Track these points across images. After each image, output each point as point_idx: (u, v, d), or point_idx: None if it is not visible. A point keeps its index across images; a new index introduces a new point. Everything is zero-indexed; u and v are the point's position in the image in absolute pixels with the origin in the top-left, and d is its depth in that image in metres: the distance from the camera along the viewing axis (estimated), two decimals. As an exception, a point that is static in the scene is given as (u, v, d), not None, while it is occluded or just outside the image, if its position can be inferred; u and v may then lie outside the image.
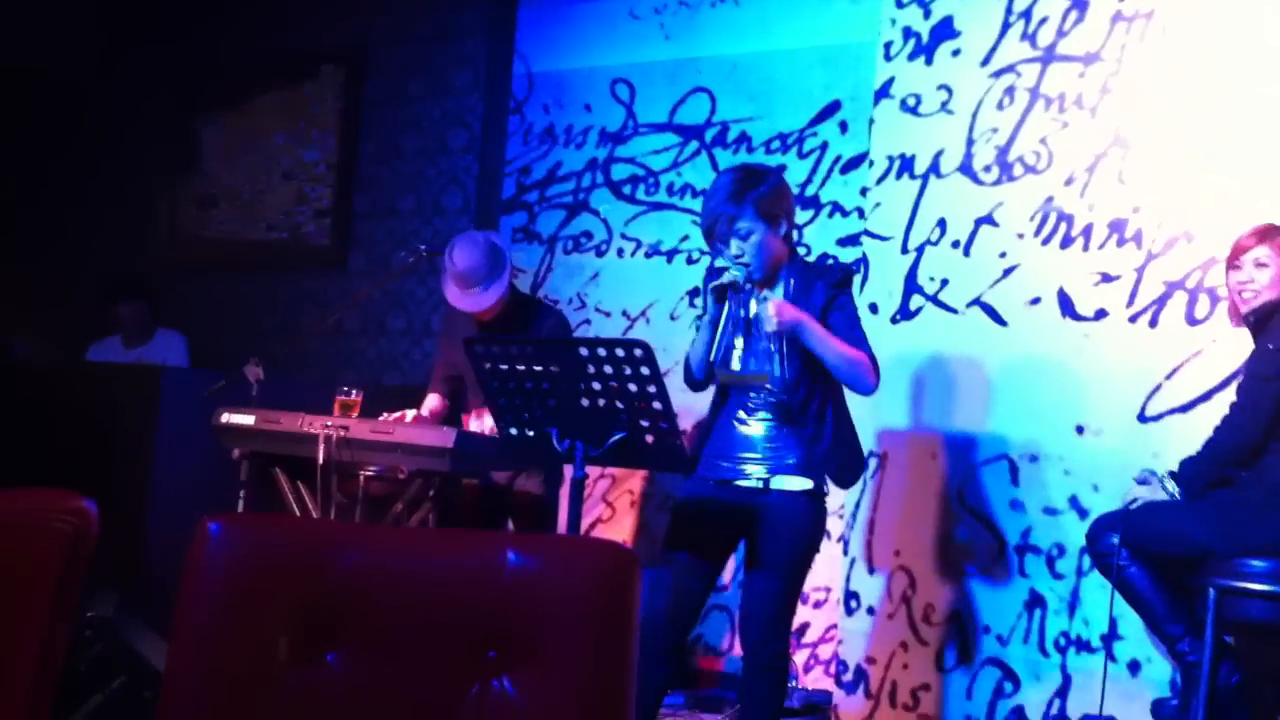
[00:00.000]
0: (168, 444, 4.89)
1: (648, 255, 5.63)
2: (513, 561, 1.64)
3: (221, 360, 6.03)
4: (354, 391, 4.33)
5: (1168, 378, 4.03)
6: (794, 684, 4.91)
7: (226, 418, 4.31)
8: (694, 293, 5.35)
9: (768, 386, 3.37)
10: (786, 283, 3.44)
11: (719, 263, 3.36)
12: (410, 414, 4.45)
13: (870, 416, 4.52)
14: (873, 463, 4.48)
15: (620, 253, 5.68)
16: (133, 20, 7.26)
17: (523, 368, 3.21)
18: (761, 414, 3.40)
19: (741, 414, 3.41)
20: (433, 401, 4.65)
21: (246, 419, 4.28)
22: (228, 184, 7.15)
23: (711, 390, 3.53)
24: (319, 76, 6.89)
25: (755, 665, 3.38)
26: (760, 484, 3.36)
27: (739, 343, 3.40)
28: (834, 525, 4.94)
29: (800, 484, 3.36)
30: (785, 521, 3.36)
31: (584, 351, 3.13)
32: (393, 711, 1.62)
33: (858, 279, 4.39)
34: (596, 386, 3.13)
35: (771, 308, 3.26)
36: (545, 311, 4.83)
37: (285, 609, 1.64)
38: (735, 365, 3.41)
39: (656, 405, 3.10)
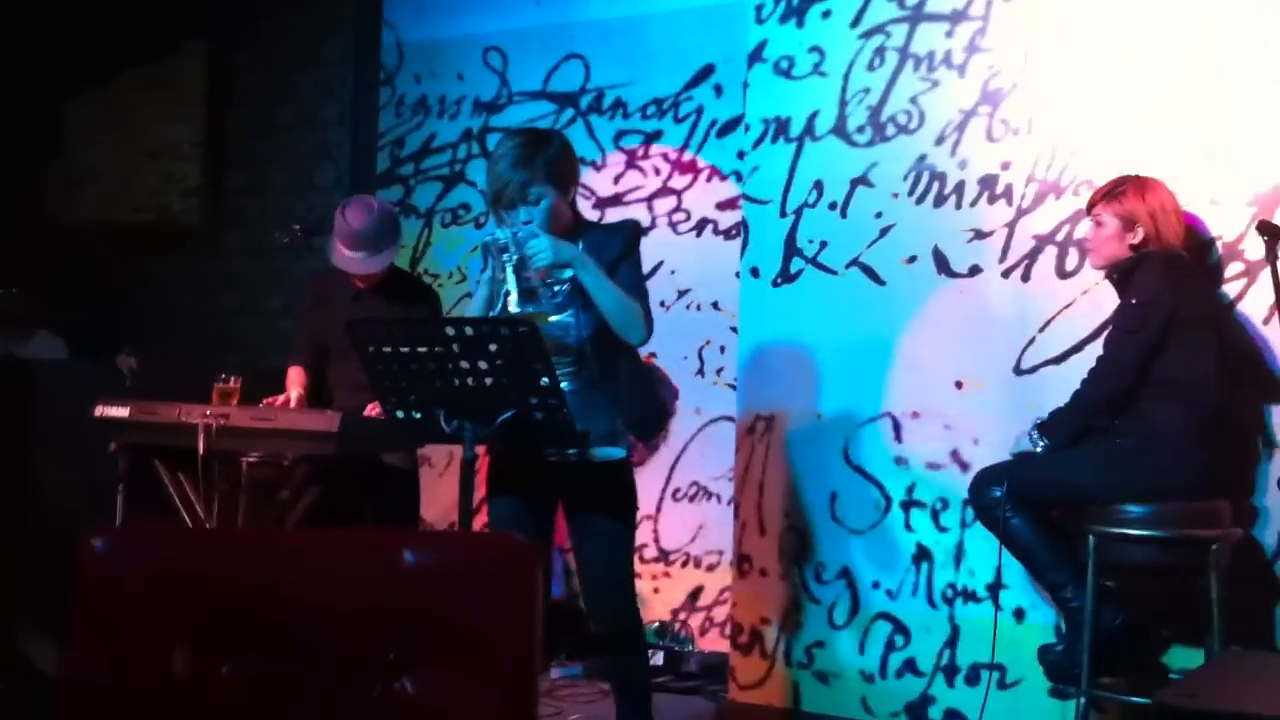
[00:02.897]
0: (45, 440, 4.78)
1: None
2: (409, 561, 1.63)
3: (95, 350, 5.89)
4: (231, 378, 4.26)
5: (1041, 330, 4.12)
6: (691, 649, 4.97)
7: (102, 411, 4.22)
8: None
9: (565, 345, 3.34)
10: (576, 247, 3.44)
11: (499, 233, 3.30)
12: (293, 397, 4.40)
13: (756, 379, 4.57)
14: (760, 425, 4.53)
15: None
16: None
17: (407, 349, 3.18)
18: (564, 385, 3.37)
19: None
20: (296, 375, 4.56)
21: (122, 411, 4.19)
22: (92, 165, 6.94)
23: None
24: (183, 49, 6.72)
25: (616, 634, 3.45)
26: (574, 456, 3.36)
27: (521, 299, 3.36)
28: (724, 488, 5.00)
29: (614, 453, 3.38)
30: (608, 492, 3.40)
31: (469, 331, 3.11)
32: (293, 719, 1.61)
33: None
34: (483, 365, 3.11)
35: (544, 240, 3.23)
36: (421, 287, 4.80)
37: (178, 621, 1.62)
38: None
39: (544, 382, 3.09)
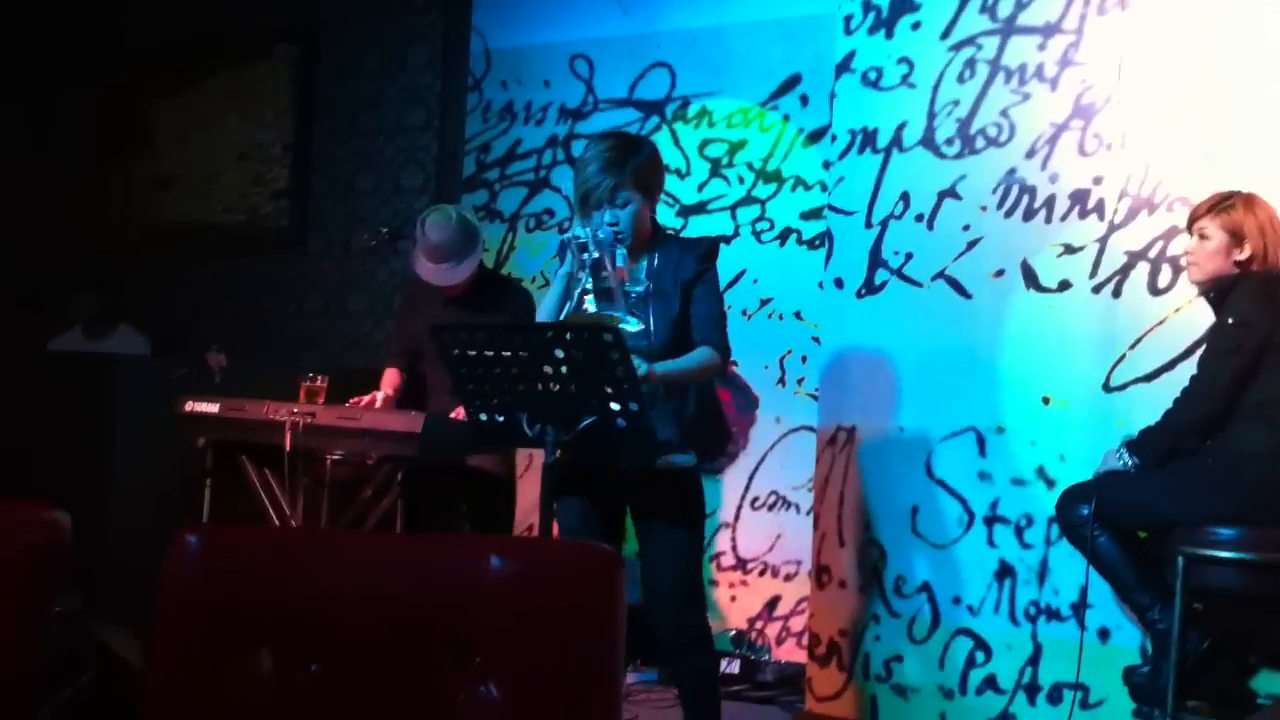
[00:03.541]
0: (128, 434, 4.84)
1: (611, 231, 5.59)
2: (495, 566, 1.63)
3: (182, 347, 5.99)
4: (319, 377, 4.30)
5: (1131, 348, 4.05)
6: (767, 658, 4.94)
7: (190, 406, 4.28)
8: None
9: (637, 351, 3.27)
10: (651, 258, 3.43)
11: (579, 230, 3.27)
12: (380, 397, 4.43)
13: (838, 390, 4.54)
14: (841, 436, 4.50)
15: (583, 229, 5.65)
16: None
17: (490, 353, 3.18)
18: None
19: None
20: (391, 377, 4.60)
21: (211, 407, 4.25)
22: (182, 167, 7.06)
23: None
24: (271, 55, 6.81)
25: (682, 644, 3.42)
26: (646, 462, 3.33)
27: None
28: (803, 498, 4.97)
29: (683, 460, 3.37)
30: (677, 499, 3.39)
31: (553, 335, 3.11)
32: (378, 720, 1.61)
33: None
34: (565, 371, 3.11)
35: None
36: (512, 288, 4.80)
37: (266, 620, 1.63)
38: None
39: (626, 389, 3.09)
